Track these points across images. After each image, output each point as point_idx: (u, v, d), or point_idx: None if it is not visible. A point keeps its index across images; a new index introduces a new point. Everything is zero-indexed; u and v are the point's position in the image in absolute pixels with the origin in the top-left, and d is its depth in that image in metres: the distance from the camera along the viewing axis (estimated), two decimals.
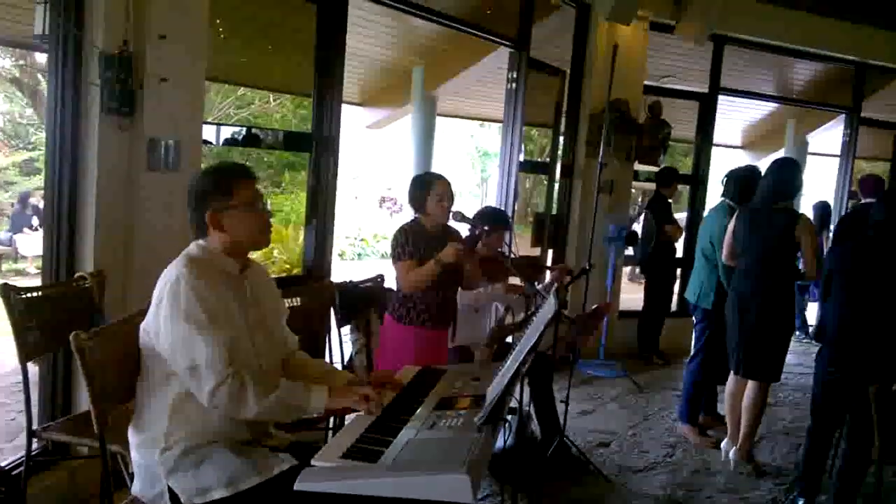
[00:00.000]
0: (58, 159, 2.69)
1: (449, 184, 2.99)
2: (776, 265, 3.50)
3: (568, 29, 5.60)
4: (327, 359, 3.12)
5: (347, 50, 3.80)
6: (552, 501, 3.26)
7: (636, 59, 5.64)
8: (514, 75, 5.16)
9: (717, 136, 6.96)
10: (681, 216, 6.53)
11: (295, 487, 1.55)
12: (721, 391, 3.97)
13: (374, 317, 3.33)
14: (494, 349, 3.46)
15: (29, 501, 2.48)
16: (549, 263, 5.50)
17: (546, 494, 3.27)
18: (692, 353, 4.29)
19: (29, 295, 2.40)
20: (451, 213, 2.96)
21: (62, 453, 2.83)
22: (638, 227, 5.71)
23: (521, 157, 5.40)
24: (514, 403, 2.07)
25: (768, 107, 9.36)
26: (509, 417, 1.92)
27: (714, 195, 5.31)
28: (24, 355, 2.35)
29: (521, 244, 5.24)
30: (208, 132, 3.40)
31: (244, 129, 4.39)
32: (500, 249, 3.35)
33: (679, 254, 6.11)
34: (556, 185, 5.87)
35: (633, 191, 6.76)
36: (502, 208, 4.93)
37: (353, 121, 8.24)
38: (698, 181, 6.54)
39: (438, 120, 8.04)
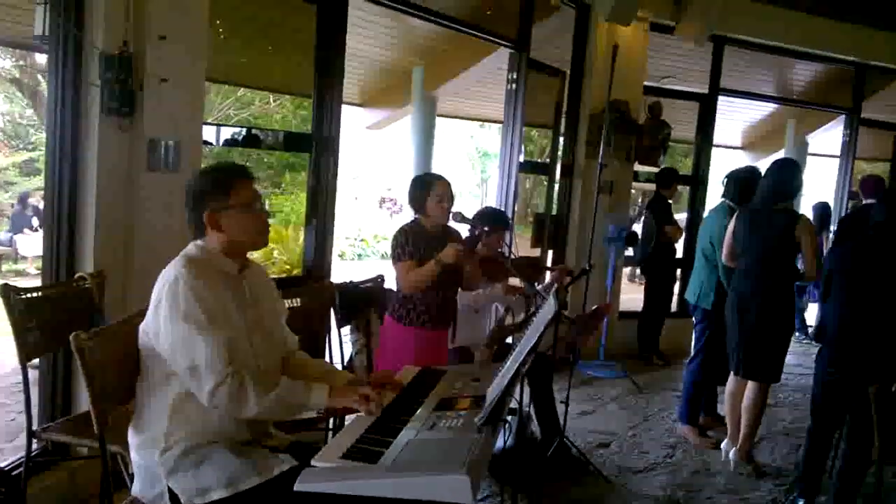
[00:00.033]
0: (58, 160, 2.69)
1: (449, 184, 2.98)
2: (776, 266, 3.50)
3: (568, 29, 5.60)
4: (327, 359, 3.11)
5: (347, 50, 3.80)
6: (552, 502, 3.26)
7: (636, 59, 5.64)
8: (514, 76, 5.16)
9: (717, 137, 6.97)
10: (681, 217, 6.54)
11: (295, 488, 1.55)
12: (721, 392, 3.97)
13: (374, 317, 3.33)
14: (494, 350, 3.46)
15: (29, 502, 2.48)
16: (548, 264, 5.50)
17: (546, 495, 3.26)
18: (692, 353, 4.29)
19: (29, 295, 2.40)
20: (451, 214, 2.95)
21: (62, 454, 2.83)
22: (638, 228, 5.70)
23: (521, 158, 5.39)
24: (514, 404, 2.07)
25: (768, 107, 9.36)
26: (509, 418, 1.92)
27: (714, 196, 5.32)
28: (24, 355, 2.35)
29: (521, 245, 5.25)
30: (208, 133, 3.41)
31: (244, 129, 4.39)
32: (499, 250, 3.35)
33: (679, 254, 6.11)
34: (556, 186, 5.87)
35: (633, 191, 6.75)
36: (502, 209, 4.92)
37: (353, 121, 8.24)
38: (698, 182, 6.54)
39: (438, 120, 8.03)
